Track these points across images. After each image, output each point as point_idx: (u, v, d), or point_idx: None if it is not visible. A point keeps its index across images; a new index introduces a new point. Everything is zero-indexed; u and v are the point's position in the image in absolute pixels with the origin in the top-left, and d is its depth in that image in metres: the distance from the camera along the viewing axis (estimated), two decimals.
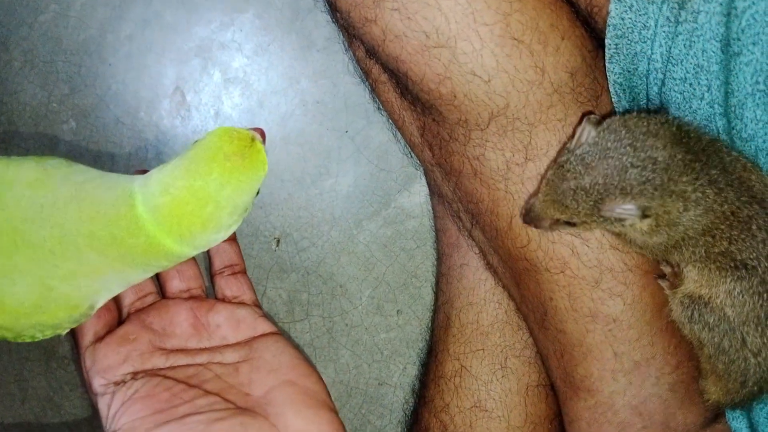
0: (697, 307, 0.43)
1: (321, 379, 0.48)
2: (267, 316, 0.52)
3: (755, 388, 0.44)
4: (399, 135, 0.55)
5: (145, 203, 0.41)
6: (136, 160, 0.65)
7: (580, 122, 0.42)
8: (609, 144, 0.40)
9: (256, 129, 0.44)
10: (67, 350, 0.64)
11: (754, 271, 0.42)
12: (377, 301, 0.63)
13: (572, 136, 0.42)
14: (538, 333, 0.49)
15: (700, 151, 0.41)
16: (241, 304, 0.51)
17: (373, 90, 0.52)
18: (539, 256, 0.45)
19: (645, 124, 0.41)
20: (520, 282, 0.48)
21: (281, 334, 0.51)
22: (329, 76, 0.63)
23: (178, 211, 0.41)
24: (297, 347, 0.51)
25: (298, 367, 0.48)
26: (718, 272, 0.43)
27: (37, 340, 0.46)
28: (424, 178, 0.61)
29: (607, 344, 0.45)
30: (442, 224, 0.57)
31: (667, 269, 0.45)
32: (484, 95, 0.43)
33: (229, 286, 0.51)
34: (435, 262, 0.62)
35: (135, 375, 0.45)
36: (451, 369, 0.53)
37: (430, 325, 0.61)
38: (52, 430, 0.63)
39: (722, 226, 0.42)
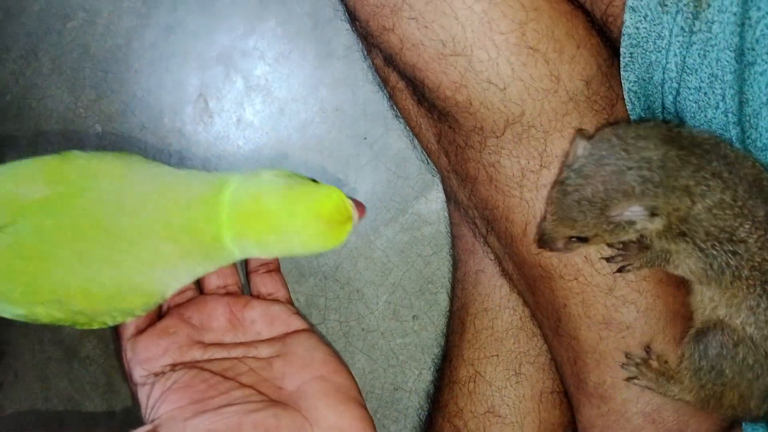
0: (712, 335, 0.43)
1: (352, 375, 0.49)
2: (300, 314, 0.53)
3: None
4: (416, 142, 0.55)
5: (234, 195, 0.44)
6: None
7: (573, 141, 0.44)
8: (603, 152, 0.41)
9: (358, 205, 0.46)
10: (89, 350, 0.65)
11: None
12: (393, 307, 0.64)
13: (567, 154, 0.43)
14: (552, 340, 0.49)
15: (695, 146, 0.42)
16: (276, 301, 0.52)
17: (391, 97, 0.53)
18: (553, 263, 0.45)
19: (634, 129, 0.42)
20: (535, 289, 0.48)
21: (313, 331, 0.52)
22: (349, 84, 0.64)
23: (250, 221, 0.44)
24: (329, 344, 0.52)
25: (330, 363, 0.49)
26: (745, 288, 0.42)
27: (107, 326, 0.48)
28: (440, 186, 0.61)
29: (620, 351, 0.45)
30: (458, 230, 0.57)
31: (631, 368, 0.45)
32: (499, 103, 0.43)
33: (264, 284, 0.53)
34: (451, 269, 0.62)
35: (174, 367, 0.47)
36: (465, 374, 0.53)
37: (445, 330, 0.61)
38: (73, 429, 0.64)
39: (746, 224, 0.41)
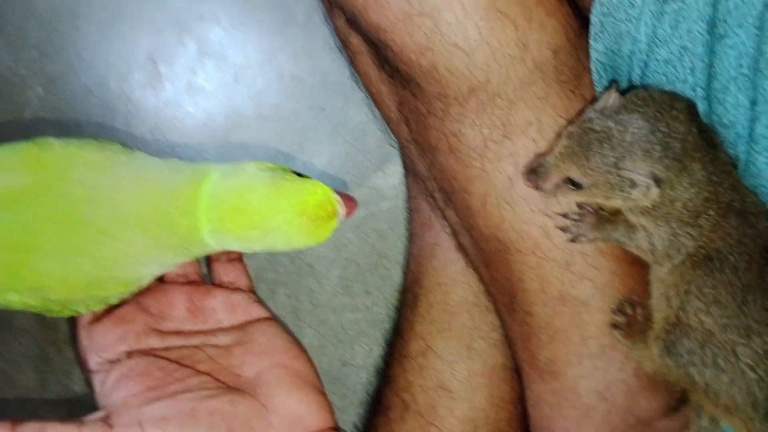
0: (676, 337, 0.43)
1: (311, 362, 0.51)
2: (262, 302, 0.54)
3: None
4: (377, 114, 0.54)
5: (215, 188, 0.44)
6: (104, 131, 0.64)
7: (605, 90, 0.43)
8: (638, 108, 0.41)
9: (347, 199, 0.46)
10: (23, 321, 0.62)
11: (726, 261, 0.42)
12: (346, 282, 0.63)
13: (593, 100, 0.43)
14: (506, 315, 0.49)
15: (707, 132, 0.42)
16: (237, 289, 0.53)
17: (352, 62, 0.52)
18: (511, 236, 0.45)
19: (668, 95, 0.42)
20: (491, 263, 0.48)
21: (275, 319, 0.53)
22: (308, 52, 0.62)
23: (231, 215, 0.44)
24: (290, 332, 0.52)
25: (290, 351, 0.50)
26: (692, 269, 0.42)
27: (78, 314, 0.49)
28: (399, 160, 0.61)
29: (575, 328, 0.45)
30: (415, 204, 0.56)
31: (620, 318, 0.45)
32: (464, 68, 0.42)
33: (226, 273, 0.53)
34: (406, 244, 0.61)
35: (129, 354, 0.47)
36: (416, 348, 0.52)
37: (397, 305, 0.60)
38: (5, 402, 0.61)
39: (711, 210, 0.42)
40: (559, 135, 0.43)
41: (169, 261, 0.48)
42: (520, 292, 0.46)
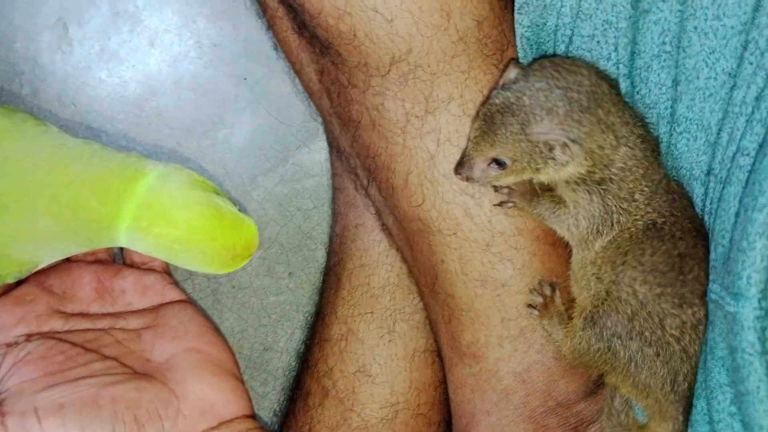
0: (604, 311, 0.42)
1: (229, 347, 0.49)
2: (177, 284, 0.52)
3: (687, 387, 0.42)
4: (300, 84, 0.52)
5: (153, 190, 0.43)
6: (9, 97, 0.60)
7: (505, 67, 0.43)
8: (536, 74, 0.40)
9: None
10: None
11: (663, 230, 0.42)
12: (268, 263, 0.61)
13: (498, 78, 0.42)
14: (428, 297, 0.48)
15: (619, 92, 0.42)
16: (150, 270, 0.51)
17: (270, 27, 0.49)
18: (433, 216, 0.44)
19: (569, 60, 0.42)
20: (413, 243, 0.46)
21: (191, 302, 0.51)
22: (229, 17, 0.59)
23: (163, 223, 0.43)
24: (206, 316, 0.51)
25: (205, 335, 0.48)
26: (629, 240, 0.42)
27: None
28: (325, 134, 0.59)
29: (495, 310, 0.45)
30: (339, 182, 0.54)
31: (537, 299, 0.44)
32: (385, 36, 0.41)
33: (138, 252, 0.50)
34: (331, 224, 0.59)
35: (29, 337, 0.45)
36: (338, 332, 0.51)
37: (320, 287, 0.58)
38: None
39: (646, 187, 0.42)
40: (475, 118, 0.43)
41: (71, 249, 0.46)
42: (441, 274, 0.45)
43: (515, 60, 0.42)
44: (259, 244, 0.47)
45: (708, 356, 0.40)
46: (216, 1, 0.59)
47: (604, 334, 0.42)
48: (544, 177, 0.42)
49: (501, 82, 0.42)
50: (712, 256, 0.41)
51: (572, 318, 0.44)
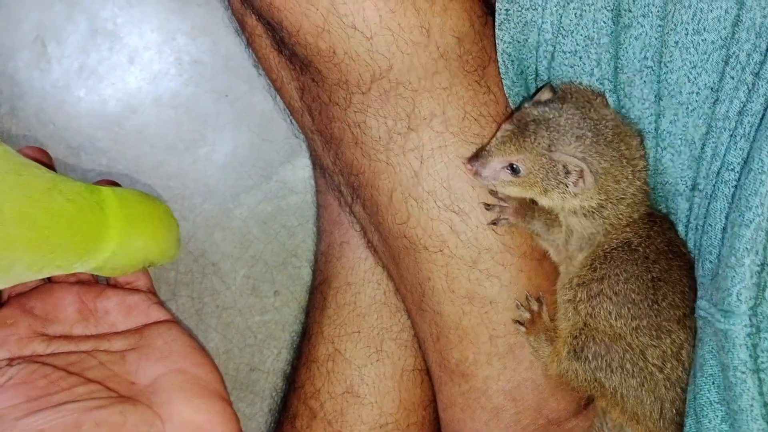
0: (583, 342, 0.43)
1: (216, 368, 0.48)
2: (161, 304, 0.51)
3: (675, 414, 0.42)
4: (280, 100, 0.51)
5: (118, 192, 0.46)
6: None
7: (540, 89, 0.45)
8: (571, 100, 0.42)
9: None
10: None
11: (637, 251, 0.42)
12: (253, 282, 0.60)
13: (531, 97, 0.44)
14: (416, 315, 0.47)
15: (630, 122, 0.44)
16: (134, 290, 0.50)
17: (249, 45, 0.48)
18: (418, 233, 0.43)
19: (590, 90, 0.43)
20: (399, 261, 0.46)
21: (176, 322, 0.50)
22: (209, 34, 0.59)
23: (141, 219, 0.47)
24: (193, 336, 0.50)
25: (191, 356, 0.47)
26: (603, 260, 0.42)
27: None
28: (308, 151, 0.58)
29: (483, 327, 0.44)
30: (324, 199, 0.54)
31: (524, 315, 0.44)
32: (365, 54, 0.40)
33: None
34: (316, 241, 0.59)
35: (11, 361, 0.44)
36: (324, 353, 0.50)
37: (306, 306, 0.57)
38: None
39: (635, 207, 0.43)
40: (502, 124, 0.43)
41: (42, 269, 0.44)
42: (428, 291, 0.45)
43: (551, 84, 0.44)
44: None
45: (697, 373, 0.39)
46: (195, 18, 0.59)
47: (587, 366, 0.42)
48: (547, 202, 0.43)
49: (535, 99, 0.43)
50: (699, 272, 0.41)
51: (558, 337, 0.44)
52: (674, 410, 0.42)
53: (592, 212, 0.42)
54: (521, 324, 0.44)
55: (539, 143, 0.41)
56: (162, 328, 0.49)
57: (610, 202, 0.42)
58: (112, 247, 0.45)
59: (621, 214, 0.42)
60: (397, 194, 0.43)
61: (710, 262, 0.39)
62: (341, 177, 0.47)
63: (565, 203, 0.42)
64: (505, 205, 0.43)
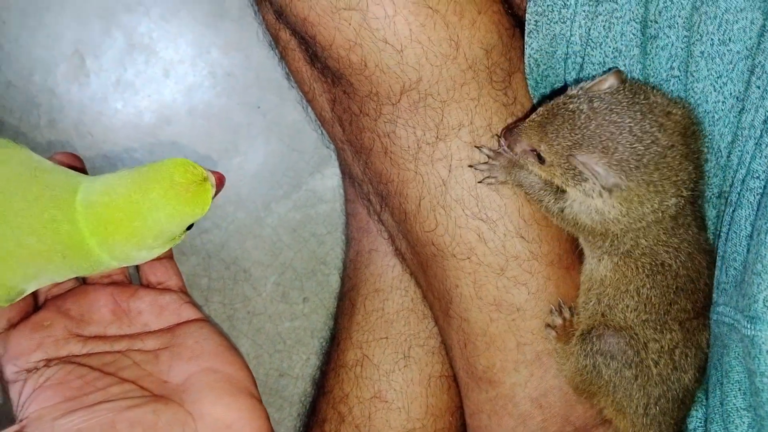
0: (596, 330, 0.43)
1: (246, 367, 0.48)
2: (193, 303, 0.51)
3: (658, 411, 0.43)
4: (312, 112, 0.52)
5: (84, 195, 0.42)
6: (27, 127, 0.60)
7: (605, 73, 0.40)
8: (623, 100, 0.37)
9: (215, 172, 0.44)
10: None
11: (670, 268, 0.42)
12: (283, 288, 0.61)
13: (593, 78, 0.40)
14: (443, 322, 0.47)
15: (696, 151, 0.40)
16: (166, 290, 0.50)
17: (283, 58, 0.49)
18: (446, 241, 0.44)
19: (665, 100, 0.39)
20: (427, 268, 0.46)
21: (207, 320, 0.50)
22: (242, 48, 0.60)
23: (107, 215, 0.41)
24: (224, 335, 0.50)
25: (222, 355, 0.47)
26: (635, 268, 0.42)
27: None
28: (337, 161, 0.59)
29: (511, 334, 0.44)
30: (352, 208, 0.54)
31: (557, 320, 0.44)
32: (396, 66, 0.41)
33: (153, 272, 0.50)
34: (345, 249, 0.59)
35: (48, 362, 0.44)
36: (353, 358, 0.51)
37: (335, 313, 0.58)
38: None
39: (664, 225, 0.40)
40: (546, 103, 0.40)
41: (62, 273, 0.44)
42: (456, 298, 0.45)
43: (618, 71, 0.39)
44: (204, 169, 0.43)
45: (724, 380, 0.39)
46: (228, 32, 0.60)
47: (590, 349, 0.43)
48: (572, 193, 0.40)
49: (589, 84, 0.39)
50: (722, 278, 0.41)
51: (575, 330, 0.44)
52: (658, 407, 0.43)
53: (613, 218, 0.40)
54: (553, 329, 0.44)
55: (559, 141, 0.38)
56: (193, 327, 0.49)
57: (630, 218, 0.39)
58: (97, 252, 0.42)
59: (639, 225, 0.40)
60: (426, 202, 0.44)
61: (734, 269, 0.39)
62: (370, 186, 0.48)
63: (586, 201, 0.40)
64: (494, 163, 0.41)
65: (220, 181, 0.45)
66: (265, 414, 0.47)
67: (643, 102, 0.38)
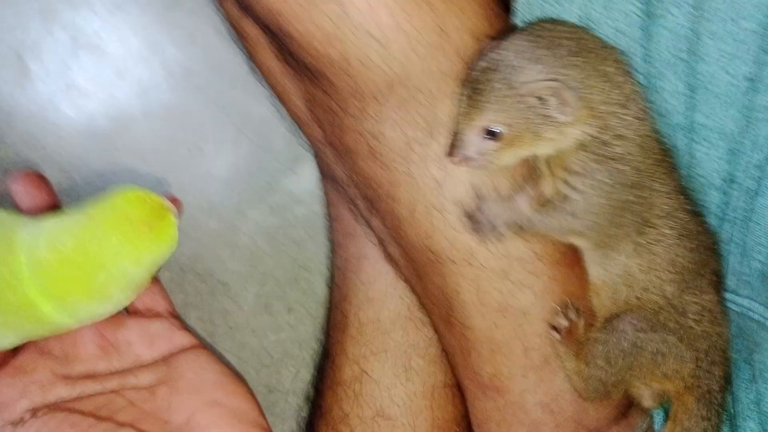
0: (628, 314, 0.41)
1: (251, 394, 0.45)
2: (186, 328, 0.48)
3: (709, 363, 0.41)
4: (283, 109, 0.48)
5: (29, 254, 0.36)
6: None
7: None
8: (519, 33, 0.37)
9: (172, 199, 0.40)
10: None
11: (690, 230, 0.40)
12: (265, 300, 0.57)
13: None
14: (444, 329, 0.45)
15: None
16: (156, 316, 0.47)
17: (251, 56, 0.45)
18: (443, 245, 0.41)
19: (555, 21, 0.39)
20: (424, 275, 0.43)
21: (204, 347, 0.47)
22: (199, 42, 0.56)
23: (63, 274, 0.37)
24: (223, 362, 0.47)
25: (225, 385, 0.45)
26: (658, 235, 0.40)
27: None
28: (313, 159, 0.55)
29: (517, 339, 0.42)
30: (335, 211, 0.51)
31: (563, 322, 0.42)
32: (380, 60, 0.37)
33: (139, 298, 0.47)
34: (328, 253, 0.56)
35: (35, 412, 0.41)
36: (350, 374, 0.48)
37: (324, 323, 0.55)
38: None
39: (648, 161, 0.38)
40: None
41: (5, 341, 0.40)
42: (456, 305, 0.42)
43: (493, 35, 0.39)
44: (161, 197, 0.40)
45: (759, 380, 0.37)
46: (182, 25, 0.56)
47: (629, 331, 0.41)
48: (547, 146, 0.37)
49: (479, 52, 0.38)
50: (743, 270, 0.39)
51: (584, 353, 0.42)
52: (708, 359, 0.41)
53: (599, 146, 0.37)
54: (557, 331, 0.42)
55: (497, 88, 0.36)
56: (190, 357, 0.46)
57: (611, 133, 0.37)
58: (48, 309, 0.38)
59: (634, 155, 0.37)
60: (419, 206, 0.41)
61: (759, 261, 0.37)
62: (356, 189, 0.44)
63: (566, 137, 0.37)
64: (483, 208, 0.39)
65: (178, 205, 0.41)
66: None
67: (537, 25, 0.38)
